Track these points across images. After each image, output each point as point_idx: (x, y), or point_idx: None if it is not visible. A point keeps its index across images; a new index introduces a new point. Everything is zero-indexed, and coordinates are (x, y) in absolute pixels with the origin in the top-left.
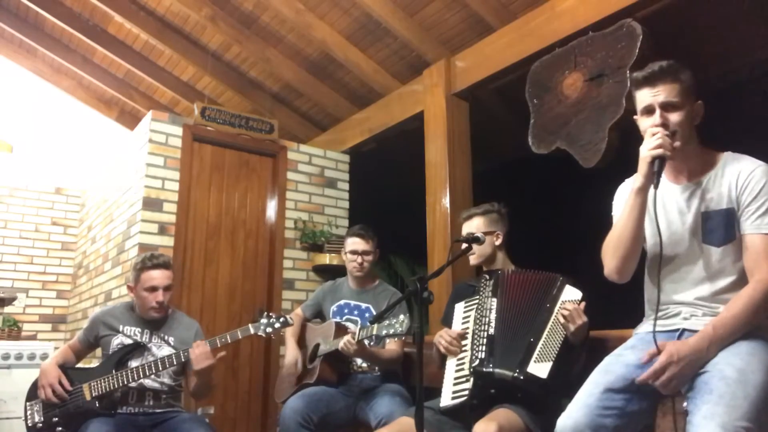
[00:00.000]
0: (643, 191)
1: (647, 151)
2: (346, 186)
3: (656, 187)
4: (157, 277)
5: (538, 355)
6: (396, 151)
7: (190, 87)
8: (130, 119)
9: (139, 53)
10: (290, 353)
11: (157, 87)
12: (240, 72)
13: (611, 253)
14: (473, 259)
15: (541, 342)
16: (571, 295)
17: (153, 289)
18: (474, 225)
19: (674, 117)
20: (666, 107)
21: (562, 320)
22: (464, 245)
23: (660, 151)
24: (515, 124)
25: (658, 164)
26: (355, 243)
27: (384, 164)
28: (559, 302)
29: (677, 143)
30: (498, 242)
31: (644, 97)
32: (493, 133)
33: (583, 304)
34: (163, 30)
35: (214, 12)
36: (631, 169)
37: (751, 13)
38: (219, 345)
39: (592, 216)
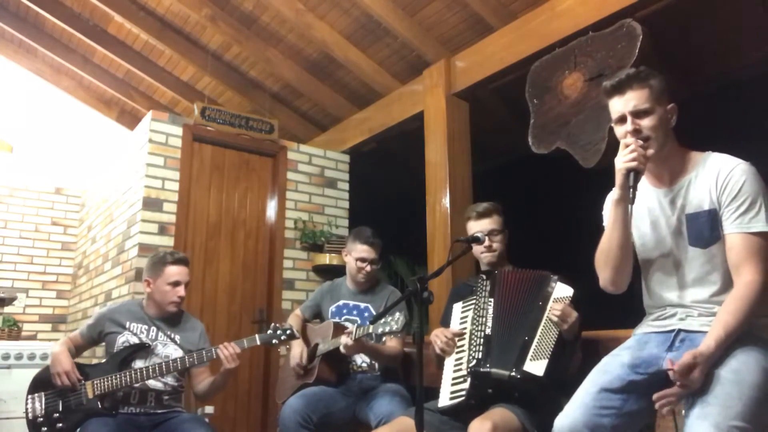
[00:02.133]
0: (622, 202)
1: (621, 163)
2: (346, 186)
3: (632, 203)
4: (180, 272)
5: (533, 353)
6: (396, 151)
7: (190, 87)
8: (130, 119)
9: (139, 53)
10: (296, 346)
11: (157, 87)
12: (240, 72)
13: (603, 266)
14: (491, 257)
15: (535, 340)
16: (562, 291)
17: (176, 283)
18: (495, 221)
19: (646, 122)
20: (637, 114)
21: (554, 318)
22: (466, 245)
23: (634, 164)
24: (515, 124)
25: (633, 177)
26: (366, 251)
27: (384, 164)
28: (551, 300)
29: (651, 150)
30: (506, 240)
31: (615, 105)
32: (493, 133)
33: (567, 299)
34: (163, 30)
35: (214, 12)
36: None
37: (751, 12)
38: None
39: (592, 216)
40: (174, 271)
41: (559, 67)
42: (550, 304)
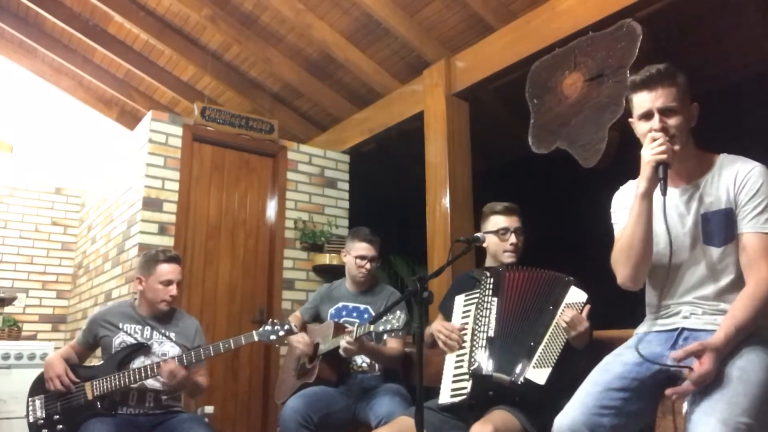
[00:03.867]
0: (648, 195)
1: (651, 156)
2: (346, 186)
3: (664, 194)
4: (172, 270)
5: (537, 360)
6: (396, 151)
7: (190, 87)
8: (130, 119)
9: (139, 53)
10: (297, 338)
11: (157, 87)
12: (240, 72)
13: (623, 262)
14: (514, 257)
15: (541, 347)
16: (575, 297)
17: (168, 282)
18: (520, 220)
19: (673, 121)
20: (664, 112)
21: (563, 325)
22: (466, 245)
23: (664, 156)
24: (515, 124)
25: (662, 170)
26: (365, 248)
27: (384, 164)
28: (563, 305)
29: (677, 147)
30: None
31: (642, 101)
32: (493, 133)
33: (586, 308)
34: (163, 30)
35: (214, 12)
36: (631, 169)
37: (752, 12)
38: (222, 351)
39: (592, 216)
40: (166, 270)
41: (559, 67)
42: (561, 308)
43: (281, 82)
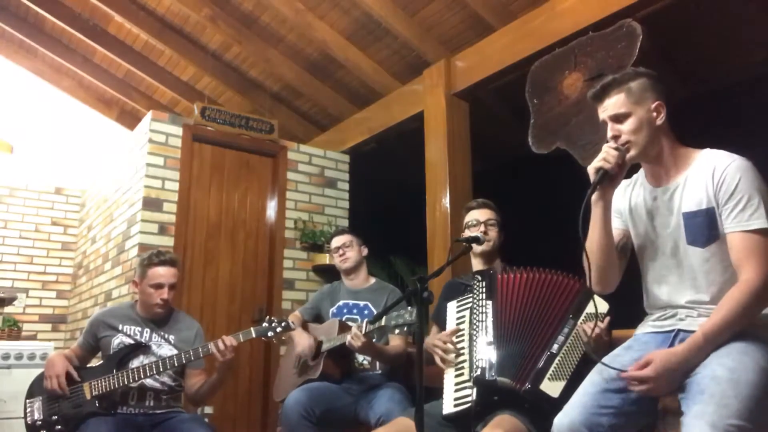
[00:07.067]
0: (598, 201)
1: (590, 165)
2: (346, 186)
3: (589, 197)
4: (164, 274)
5: (553, 372)
6: (396, 151)
7: (190, 87)
8: (130, 119)
9: (139, 53)
10: (302, 338)
11: (157, 87)
12: (240, 72)
13: (588, 266)
14: (486, 246)
15: (558, 358)
16: (597, 306)
17: (159, 286)
18: (493, 214)
19: (625, 126)
20: (615, 119)
21: (585, 337)
22: (466, 245)
23: (600, 163)
24: (515, 124)
25: (600, 177)
26: (335, 241)
27: (384, 164)
28: (584, 314)
29: (632, 152)
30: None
31: (598, 113)
32: (493, 133)
33: (607, 319)
34: (163, 30)
35: (214, 12)
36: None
37: (751, 13)
38: None
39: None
40: (157, 273)
41: (559, 67)
42: (582, 318)
43: (281, 82)
